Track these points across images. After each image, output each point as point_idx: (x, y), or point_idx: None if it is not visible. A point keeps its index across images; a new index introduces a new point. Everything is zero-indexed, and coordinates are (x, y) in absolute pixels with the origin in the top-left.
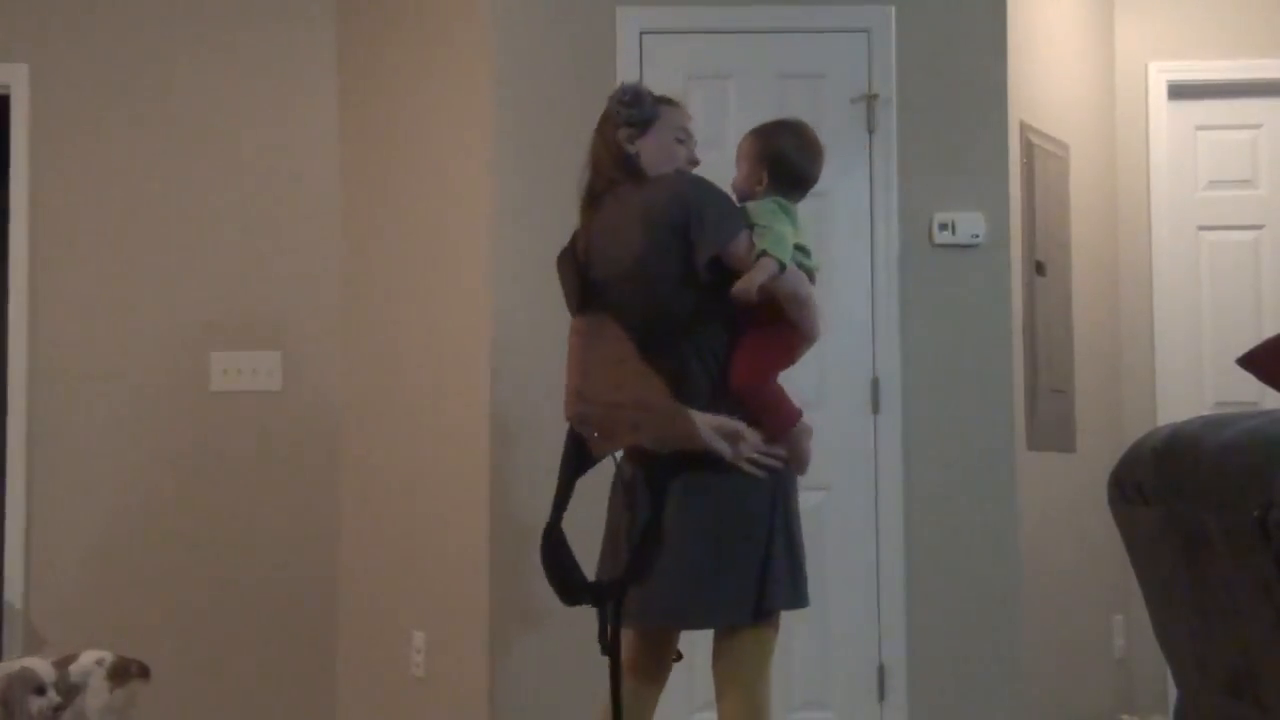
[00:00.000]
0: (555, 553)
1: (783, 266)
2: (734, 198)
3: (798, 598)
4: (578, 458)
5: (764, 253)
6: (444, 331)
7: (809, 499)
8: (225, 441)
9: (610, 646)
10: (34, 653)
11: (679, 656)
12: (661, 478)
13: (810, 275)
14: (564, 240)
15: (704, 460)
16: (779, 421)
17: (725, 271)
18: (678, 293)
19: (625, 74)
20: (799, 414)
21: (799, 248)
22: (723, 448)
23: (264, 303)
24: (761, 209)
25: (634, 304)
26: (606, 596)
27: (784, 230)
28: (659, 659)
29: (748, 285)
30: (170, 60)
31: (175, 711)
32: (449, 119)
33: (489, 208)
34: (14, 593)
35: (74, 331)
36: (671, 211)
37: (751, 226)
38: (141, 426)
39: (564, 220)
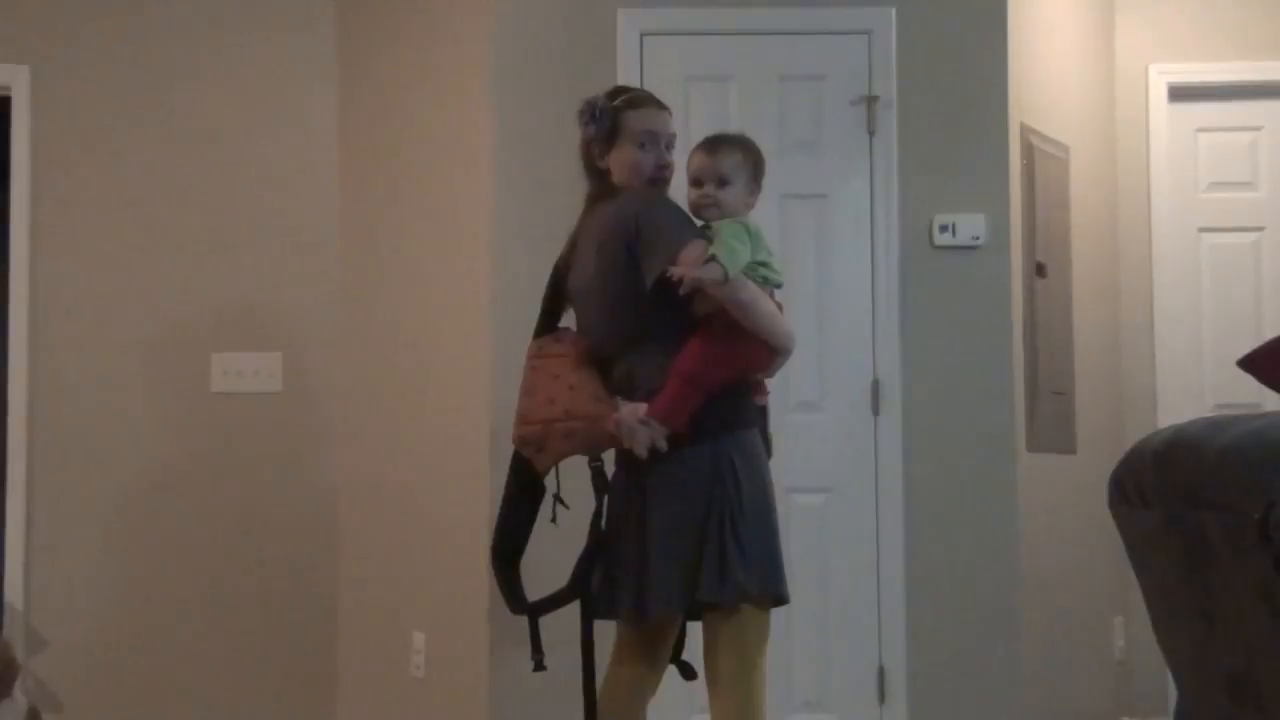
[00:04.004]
0: (503, 571)
1: (726, 276)
2: (727, 212)
3: (727, 590)
4: (529, 483)
5: (713, 257)
6: (444, 332)
7: (810, 500)
8: (226, 442)
9: (583, 643)
10: (35, 653)
11: (693, 675)
12: (602, 484)
13: (771, 287)
14: (564, 241)
15: (638, 456)
16: (663, 410)
17: (676, 289)
18: (627, 311)
19: (626, 75)
20: (673, 424)
21: (762, 263)
22: (633, 436)
23: (265, 304)
24: (730, 228)
25: (590, 318)
26: (539, 613)
27: (740, 247)
28: (654, 646)
29: (683, 272)
30: (170, 61)
31: (175, 711)
32: (449, 121)
33: (489, 209)
34: (14, 593)
35: (74, 332)
36: (620, 234)
37: (709, 240)
38: (142, 427)
39: (564, 222)
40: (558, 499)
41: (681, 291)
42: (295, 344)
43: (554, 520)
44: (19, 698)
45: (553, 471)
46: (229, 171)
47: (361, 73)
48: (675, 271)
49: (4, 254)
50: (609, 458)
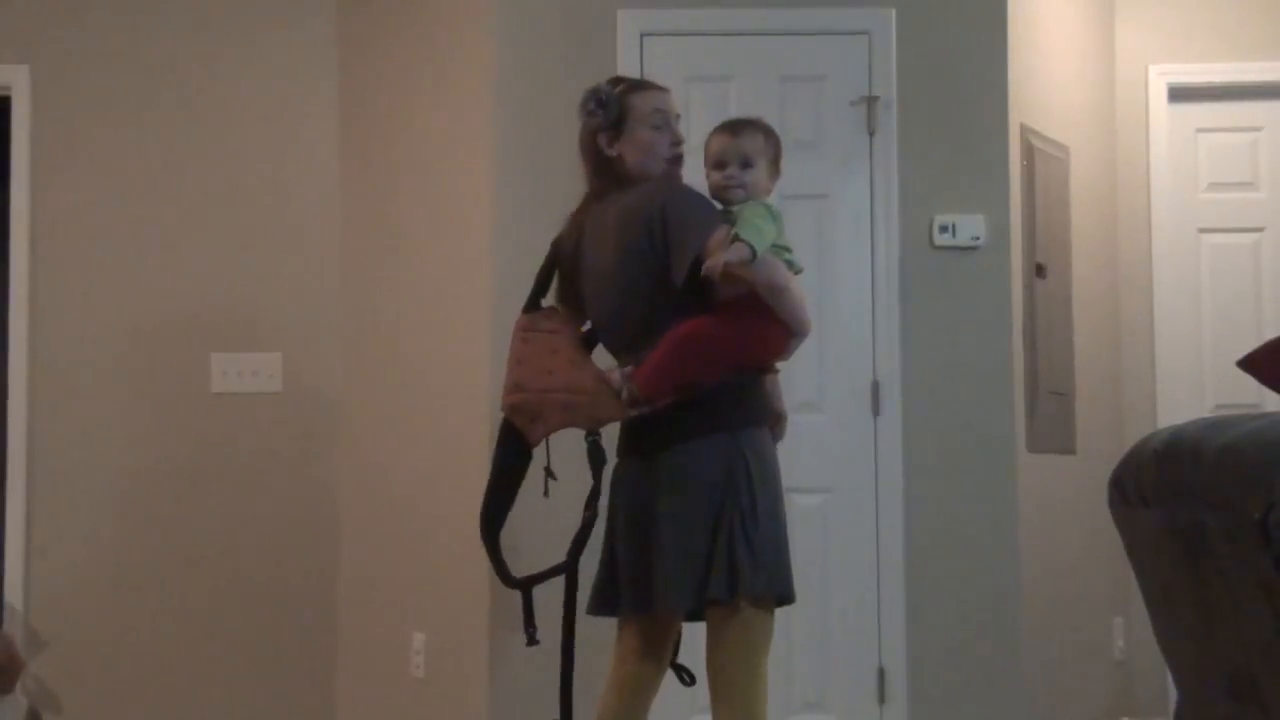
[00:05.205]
0: (492, 544)
1: (754, 253)
2: (751, 194)
3: (737, 589)
4: (516, 453)
5: (737, 237)
6: (444, 332)
7: (810, 500)
8: (226, 443)
9: (564, 628)
10: (34, 653)
11: (692, 680)
12: (599, 459)
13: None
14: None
15: (646, 448)
16: (645, 371)
17: (702, 274)
18: (650, 302)
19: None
20: (652, 390)
21: (785, 248)
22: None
23: (264, 304)
24: (753, 208)
25: (608, 309)
26: (529, 586)
27: (765, 227)
28: (658, 644)
29: (714, 262)
30: (171, 61)
31: (175, 711)
32: (449, 121)
33: (490, 209)
34: (14, 593)
35: (74, 332)
36: (644, 223)
37: (731, 223)
38: (142, 427)
39: (565, 222)
40: (548, 472)
41: (706, 273)
42: (295, 344)
43: (546, 494)
44: (20, 698)
45: (543, 444)
46: (229, 171)
47: (362, 72)
48: (706, 265)
49: (4, 254)
50: (609, 439)
